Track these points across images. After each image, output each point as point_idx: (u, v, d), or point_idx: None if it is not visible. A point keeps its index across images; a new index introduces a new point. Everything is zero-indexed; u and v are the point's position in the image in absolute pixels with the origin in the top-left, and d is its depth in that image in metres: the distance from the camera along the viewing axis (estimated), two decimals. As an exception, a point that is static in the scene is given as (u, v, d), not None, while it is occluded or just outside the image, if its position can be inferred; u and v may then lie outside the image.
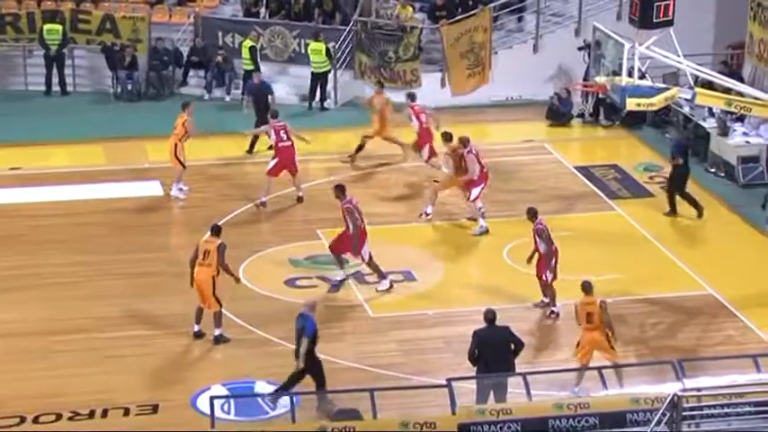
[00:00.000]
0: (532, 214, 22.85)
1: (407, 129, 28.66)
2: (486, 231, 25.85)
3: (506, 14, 34.14)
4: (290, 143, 26.90)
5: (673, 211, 26.88)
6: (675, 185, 26.98)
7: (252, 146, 29.65)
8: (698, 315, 22.98)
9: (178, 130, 27.11)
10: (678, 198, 26.64)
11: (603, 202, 27.63)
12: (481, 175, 25.85)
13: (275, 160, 26.92)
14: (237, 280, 22.10)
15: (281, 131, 26.93)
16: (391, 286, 23.52)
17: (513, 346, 19.16)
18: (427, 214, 26.42)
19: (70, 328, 22.21)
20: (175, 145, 27.05)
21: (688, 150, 27.46)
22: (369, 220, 25.74)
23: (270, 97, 29.82)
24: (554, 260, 22.48)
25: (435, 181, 26.63)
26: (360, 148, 29.13)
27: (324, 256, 24.43)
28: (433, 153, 28.18)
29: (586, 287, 20.14)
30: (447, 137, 26.46)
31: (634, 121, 31.09)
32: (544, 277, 22.52)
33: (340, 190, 23.65)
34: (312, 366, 19.59)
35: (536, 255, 22.60)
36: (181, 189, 27.37)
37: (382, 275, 23.57)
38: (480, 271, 24.90)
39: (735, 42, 32.32)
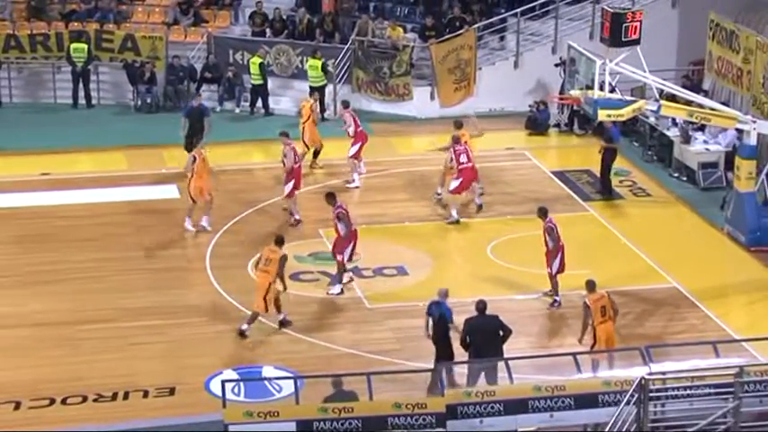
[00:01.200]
0: (543, 213, 22.73)
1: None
2: (457, 222, 25.91)
3: (489, 34, 34.08)
4: (300, 163, 26.27)
5: (608, 193, 27.35)
6: (608, 166, 27.22)
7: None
8: (663, 306, 22.95)
9: (198, 167, 25.28)
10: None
11: (578, 203, 27.58)
12: (461, 171, 25.94)
13: (293, 182, 25.80)
14: (285, 288, 21.78)
15: (297, 149, 26.17)
16: (342, 292, 23.10)
17: (501, 333, 19.15)
18: (438, 194, 26.93)
19: (94, 319, 22.15)
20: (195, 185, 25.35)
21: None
22: (366, 221, 25.75)
23: (206, 120, 28.57)
24: (560, 255, 22.39)
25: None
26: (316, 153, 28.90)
27: (325, 253, 24.38)
28: (357, 155, 28.05)
29: (592, 285, 19.96)
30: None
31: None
32: (549, 270, 22.47)
33: (331, 197, 23.51)
34: (448, 348, 19.41)
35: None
36: (197, 222, 25.48)
37: (340, 281, 23.21)
38: (466, 266, 24.83)
39: (696, 59, 32.28)
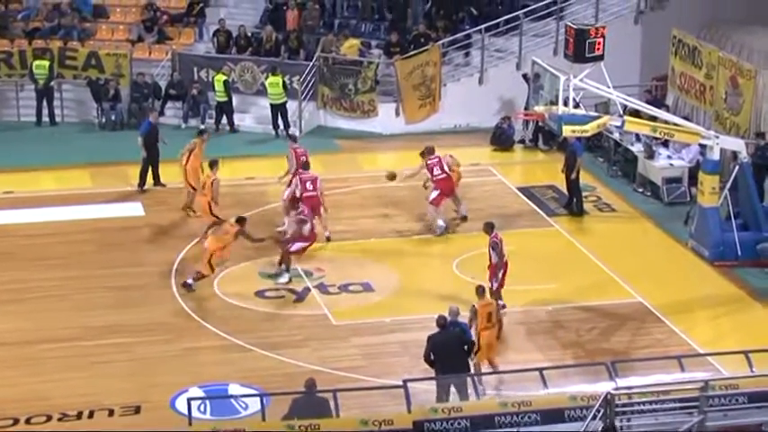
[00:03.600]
0: (490, 228, 22.76)
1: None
2: (447, 229, 26.23)
3: (454, 50, 34.18)
4: (315, 193, 25.29)
5: (580, 211, 27.49)
6: (577, 179, 27.42)
7: (143, 181, 28.36)
8: (628, 321, 23.01)
9: (207, 189, 25.42)
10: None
11: (543, 219, 27.65)
12: (437, 182, 26.30)
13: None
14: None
15: (308, 182, 25.27)
16: (289, 281, 23.53)
17: (465, 347, 19.17)
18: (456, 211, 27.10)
19: (58, 337, 21.99)
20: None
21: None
22: (333, 237, 25.70)
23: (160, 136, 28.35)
24: (502, 272, 22.41)
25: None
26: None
27: (291, 269, 24.31)
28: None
29: (482, 290, 20.29)
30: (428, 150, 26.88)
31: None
32: (491, 285, 22.47)
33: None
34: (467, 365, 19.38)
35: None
36: None
37: (287, 270, 23.67)
38: (432, 282, 24.79)
39: (659, 75, 32.48)
